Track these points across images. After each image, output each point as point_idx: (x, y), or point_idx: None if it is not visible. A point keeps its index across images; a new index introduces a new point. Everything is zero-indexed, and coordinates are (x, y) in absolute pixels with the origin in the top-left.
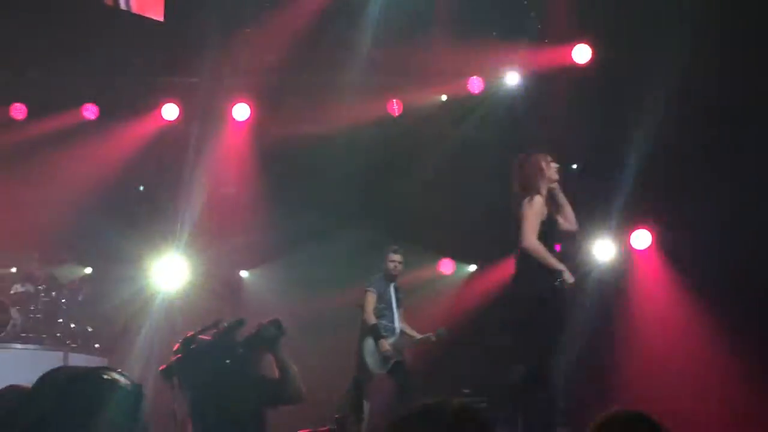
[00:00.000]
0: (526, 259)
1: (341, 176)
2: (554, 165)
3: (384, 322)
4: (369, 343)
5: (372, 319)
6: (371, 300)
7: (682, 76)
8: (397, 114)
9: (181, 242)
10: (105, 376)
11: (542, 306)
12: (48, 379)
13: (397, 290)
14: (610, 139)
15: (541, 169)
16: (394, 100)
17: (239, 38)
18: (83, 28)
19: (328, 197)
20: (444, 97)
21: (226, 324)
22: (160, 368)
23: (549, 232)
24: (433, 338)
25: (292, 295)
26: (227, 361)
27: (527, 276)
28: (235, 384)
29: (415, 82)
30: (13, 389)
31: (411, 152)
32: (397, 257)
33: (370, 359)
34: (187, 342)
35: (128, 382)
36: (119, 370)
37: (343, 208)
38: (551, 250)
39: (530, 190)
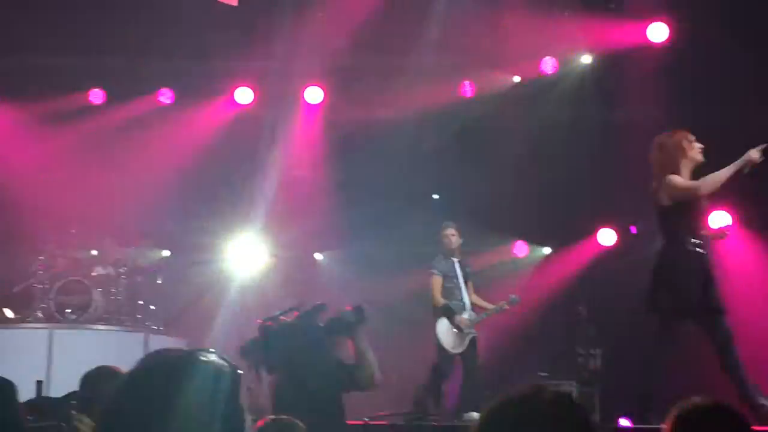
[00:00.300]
0: (675, 242)
1: (413, 159)
2: (697, 145)
3: (454, 301)
4: (442, 323)
5: (440, 301)
6: (437, 282)
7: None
8: (469, 96)
9: (256, 225)
10: (203, 358)
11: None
12: (149, 362)
13: (462, 265)
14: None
15: (683, 149)
16: (467, 82)
17: (311, 21)
18: (159, 12)
19: (400, 180)
20: (517, 79)
21: (307, 307)
22: (239, 347)
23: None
24: (506, 306)
25: (366, 278)
26: (306, 344)
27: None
28: (312, 367)
29: (488, 64)
30: (106, 369)
31: (484, 134)
32: (449, 231)
33: (446, 339)
34: (267, 323)
35: (226, 364)
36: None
37: (415, 190)
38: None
39: (669, 170)
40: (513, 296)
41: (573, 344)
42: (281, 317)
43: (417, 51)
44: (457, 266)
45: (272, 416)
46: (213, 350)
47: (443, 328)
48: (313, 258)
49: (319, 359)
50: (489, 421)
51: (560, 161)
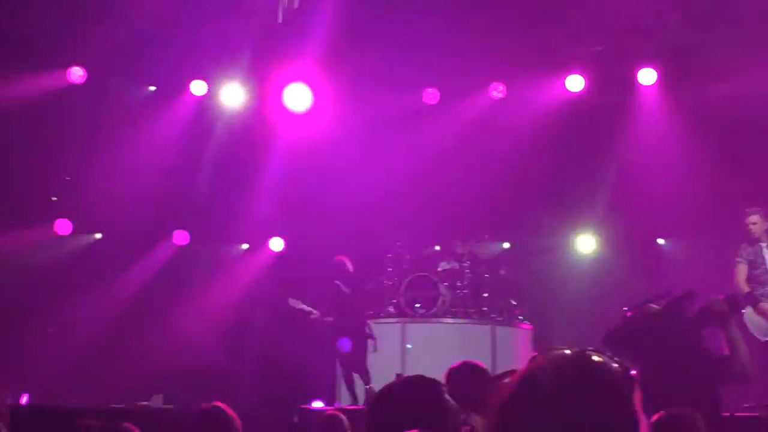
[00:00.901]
0: None
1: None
2: None
3: (759, 288)
4: (747, 312)
5: (744, 288)
6: (741, 270)
7: None
8: None
9: (597, 213)
10: (595, 358)
11: None
12: (544, 363)
13: None
14: None
15: None
16: None
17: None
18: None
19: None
20: None
21: (675, 295)
22: (603, 336)
23: None
24: None
25: (715, 267)
26: (673, 335)
27: None
28: (680, 358)
29: None
30: (469, 365)
31: None
32: (751, 218)
33: (753, 328)
34: (633, 311)
35: (619, 367)
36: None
37: None
38: None
39: None
40: None
41: None
42: (649, 305)
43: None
44: (765, 252)
45: (666, 411)
46: (601, 352)
47: (747, 318)
48: (656, 244)
49: (687, 350)
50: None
51: None
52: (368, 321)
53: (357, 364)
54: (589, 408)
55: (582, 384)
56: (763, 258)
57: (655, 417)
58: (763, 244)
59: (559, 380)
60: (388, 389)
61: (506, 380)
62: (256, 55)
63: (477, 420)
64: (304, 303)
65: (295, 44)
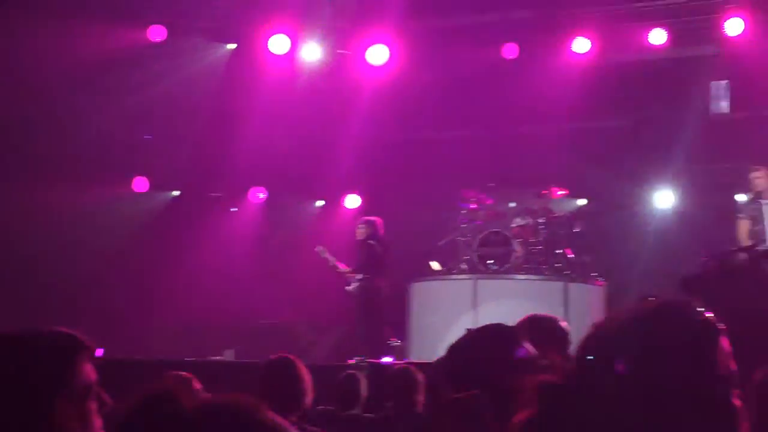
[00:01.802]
0: None
1: None
2: None
3: (763, 246)
4: None
5: (745, 243)
6: (742, 225)
7: None
8: None
9: (673, 169)
10: (680, 306)
11: None
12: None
13: None
14: None
15: None
16: None
17: None
18: None
19: None
20: None
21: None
22: (681, 279)
23: None
24: None
25: None
26: (751, 285)
27: None
28: (754, 309)
29: None
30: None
31: None
32: (754, 174)
33: None
34: (716, 258)
35: (705, 315)
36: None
37: None
38: None
39: None
40: None
41: None
42: (732, 253)
43: None
44: (765, 208)
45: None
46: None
47: None
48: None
49: (762, 303)
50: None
51: None
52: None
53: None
54: (674, 356)
55: (666, 331)
56: (764, 215)
57: (758, 375)
58: (765, 201)
59: (644, 327)
60: (465, 338)
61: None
62: (336, 13)
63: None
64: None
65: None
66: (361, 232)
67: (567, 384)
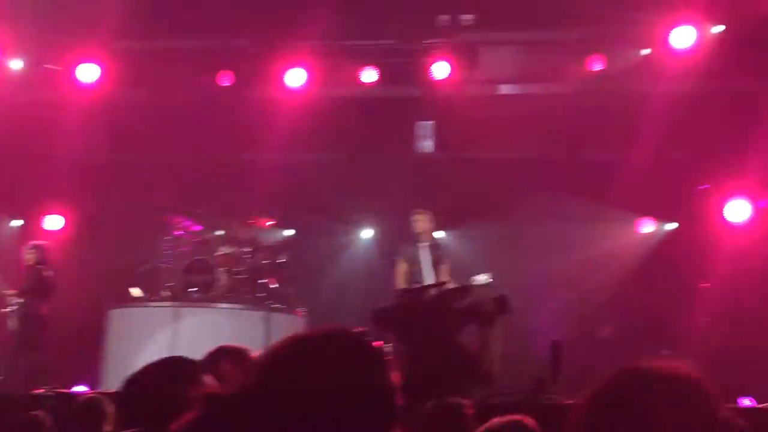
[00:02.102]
0: None
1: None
2: None
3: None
4: None
5: (402, 285)
6: (400, 267)
7: None
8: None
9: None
10: (345, 335)
11: None
12: (300, 339)
13: (433, 248)
14: None
15: None
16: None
17: None
18: None
19: None
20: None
21: (453, 285)
22: (372, 312)
23: None
24: (490, 279)
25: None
26: (437, 322)
27: None
28: (438, 345)
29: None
30: (226, 348)
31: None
32: (416, 216)
33: None
34: (407, 292)
35: (368, 341)
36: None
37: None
38: None
39: None
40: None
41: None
42: (424, 289)
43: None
44: (423, 251)
45: (501, 418)
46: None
47: None
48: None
49: (446, 341)
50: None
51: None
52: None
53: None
54: (338, 378)
55: (324, 358)
56: (418, 257)
57: (426, 406)
58: (423, 245)
59: (309, 349)
60: (141, 371)
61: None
62: (46, 27)
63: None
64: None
65: None
66: (29, 257)
67: (229, 396)
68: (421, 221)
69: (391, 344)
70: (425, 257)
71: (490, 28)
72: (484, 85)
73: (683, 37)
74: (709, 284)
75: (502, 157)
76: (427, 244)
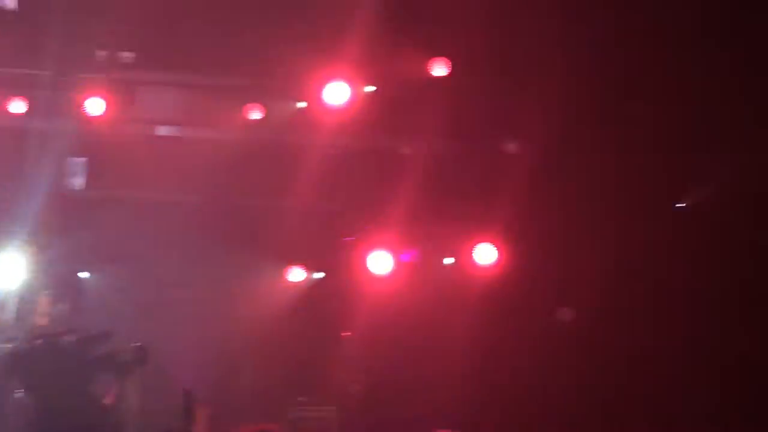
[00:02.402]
0: None
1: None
2: None
3: None
4: None
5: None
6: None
7: None
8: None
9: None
10: None
11: None
12: None
13: None
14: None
15: None
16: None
17: None
18: None
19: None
20: (303, 104)
21: (90, 333)
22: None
23: None
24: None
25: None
26: (66, 371)
27: None
28: (64, 397)
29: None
30: None
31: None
32: None
33: None
34: (36, 339)
35: None
36: None
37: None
38: None
39: None
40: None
41: (334, 369)
42: (58, 336)
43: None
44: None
45: None
46: None
47: None
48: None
49: (74, 391)
50: None
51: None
52: None
53: None
54: None
55: None
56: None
57: None
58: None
59: None
60: None
61: None
62: None
63: None
64: None
65: None
66: None
67: None
68: None
69: (18, 393)
70: None
71: (150, 68)
72: (142, 124)
73: (337, 93)
74: (350, 333)
75: (154, 199)
76: None
